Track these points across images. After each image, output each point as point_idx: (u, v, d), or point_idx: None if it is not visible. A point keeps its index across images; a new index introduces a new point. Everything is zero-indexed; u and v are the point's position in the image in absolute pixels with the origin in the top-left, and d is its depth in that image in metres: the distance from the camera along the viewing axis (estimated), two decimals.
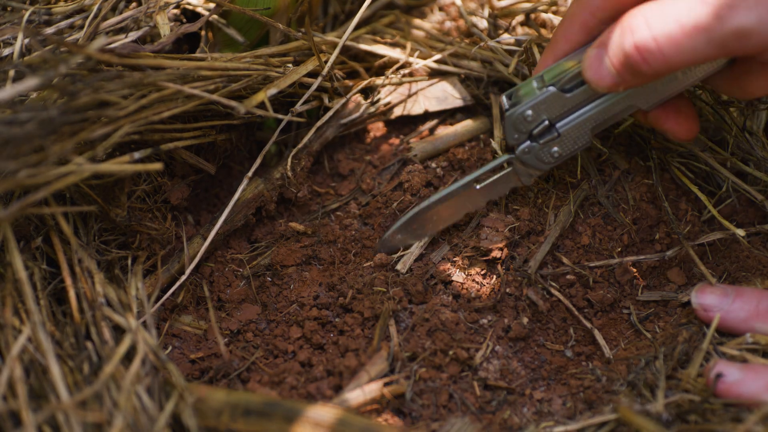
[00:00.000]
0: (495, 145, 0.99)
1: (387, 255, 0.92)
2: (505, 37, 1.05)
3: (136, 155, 0.82)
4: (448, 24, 1.10)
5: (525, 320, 0.90)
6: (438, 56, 1.04)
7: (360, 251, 0.95)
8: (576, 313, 0.90)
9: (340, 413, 0.75)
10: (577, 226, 0.94)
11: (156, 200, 0.91)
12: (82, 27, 0.93)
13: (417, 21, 1.09)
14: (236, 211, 0.95)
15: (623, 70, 0.76)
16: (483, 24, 1.07)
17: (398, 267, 0.92)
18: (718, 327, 0.84)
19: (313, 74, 0.96)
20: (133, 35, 0.93)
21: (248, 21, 0.99)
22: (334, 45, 0.99)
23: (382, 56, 1.04)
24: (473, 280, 0.91)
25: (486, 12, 1.07)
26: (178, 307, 0.92)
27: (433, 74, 1.05)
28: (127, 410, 0.72)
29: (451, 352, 0.85)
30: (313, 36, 0.94)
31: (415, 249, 0.93)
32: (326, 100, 0.99)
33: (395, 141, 1.03)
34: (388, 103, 1.02)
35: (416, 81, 1.04)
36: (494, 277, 0.92)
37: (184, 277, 0.90)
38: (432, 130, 1.04)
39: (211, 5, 0.98)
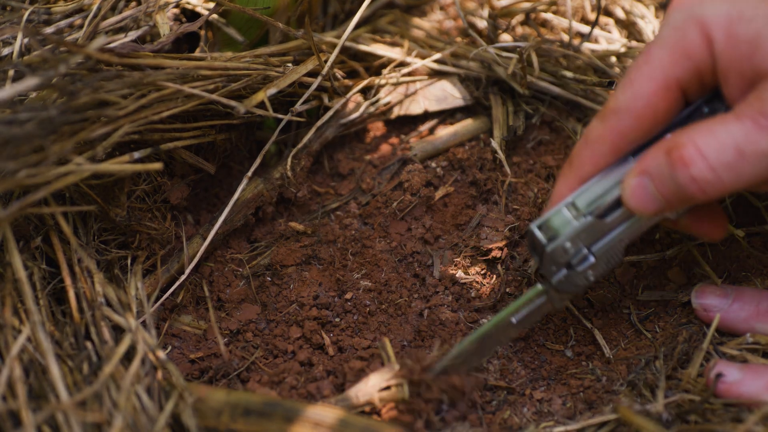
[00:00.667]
0: (495, 144, 0.99)
1: None
2: (505, 37, 1.05)
3: (136, 155, 0.82)
4: (448, 24, 1.10)
5: None
6: (437, 56, 1.04)
7: (360, 251, 0.95)
8: (576, 313, 0.90)
9: (341, 413, 0.75)
10: None
11: (156, 200, 0.91)
12: (81, 26, 0.92)
13: (417, 20, 1.09)
14: (236, 211, 0.95)
15: (673, 198, 0.73)
16: (483, 24, 1.06)
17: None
18: (719, 327, 0.84)
19: (312, 74, 0.96)
20: (133, 35, 0.93)
21: (248, 20, 0.99)
22: (334, 44, 0.99)
23: (381, 56, 1.04)
24: (473, 280, 0.91)
25: (486, 12, 1.07)
26: (177, 306, 0.92)
27: (433, 74, 1.05)
28: (126, 410, 0.72)
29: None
30: (312, 35, 0.94)
31: None
32: (326, 100, 0.99)
33: (395, 141, 1.03)
34: (388, 102, 1.02)
35: (416, 81, 1.04)
36: (494, 277, 0.92)
37: (183, 277, 0.90)
38: (432, 130, 1.04)
39: (211, 5, 0.98)
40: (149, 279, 0.90)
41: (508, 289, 0.90)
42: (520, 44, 0.99)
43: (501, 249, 0.92)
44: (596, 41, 1.07)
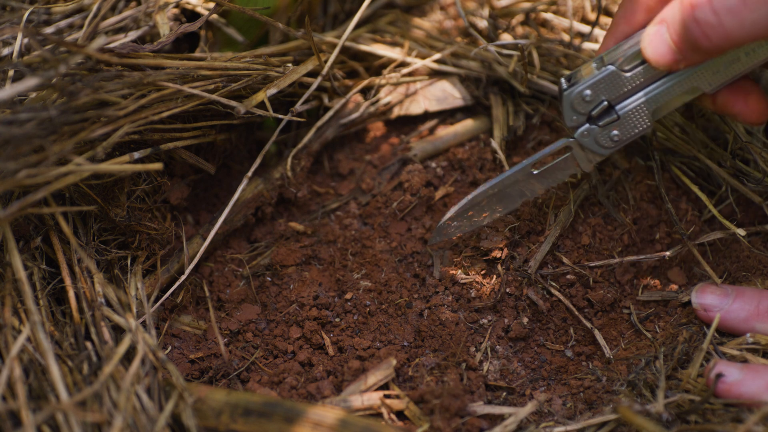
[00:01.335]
0: (495, 145, 0.99)
1: (441, 242, 0.90)
2: (505, 37, 1.05)
3: (136, 155, 0.82)
4: (448, 23, 1.10)
5: (525, 320, 0.90)
6: (438, 56, 1.04)
7: (360, 251, 0.95)
8: (576, 313, 0.90)
9: (340, 413, 0.75)
10: (578, 226, 0.94)
11: (155, 200, 0.91)
12: (81, 26, 0.92)
13: (417, 20, 1.09)
14: (236, 211, 0.95)
15: (684, 45, 0.75)
16: (483, 24, 1.06)
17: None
18: (719, 327, 0.84)
19: (312, 74, 0.96)
20: (133, 35, 0.93)
21: (248, 20, 0.99)
22: (334, 45, 0.99)
23: (381, 56, 1.04)
24: (473, 280, 0.91)
25: (486, 12, 1.07)
26: (177, 307, 0.92)
27: (433, 74, 1.05)
28: (126, 410, 0.72)
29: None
30: (312, 35, 0.94)
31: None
32: (326, 100, 0.99)
33: (395, 141, 1.03)
34: (388, 102, 1.02)
35: (416, 81, 1.04)
36: (494, 277, 0.92)
37: (183, 277, 0.90)
38: (432, 130, 1.04)
39: (211, 5, 0.98)
40: (149, 279, 0.90)
41: (508, 289, 0.90)
42: (521, 41, 0.99)
43: (501, 249, 0.92)
44: (597, 41, 1.07)
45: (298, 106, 0.95)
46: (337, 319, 0.90)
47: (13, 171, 0.71)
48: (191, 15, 1.00)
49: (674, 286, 0.92)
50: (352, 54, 1.05)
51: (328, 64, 0.96)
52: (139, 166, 0.79)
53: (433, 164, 1.00)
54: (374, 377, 0.83)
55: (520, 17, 1.08)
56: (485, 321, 0.89)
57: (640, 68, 0.81)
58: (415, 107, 1.03)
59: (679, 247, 0.91)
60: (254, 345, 0.90)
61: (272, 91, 0.90)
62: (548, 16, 1.08)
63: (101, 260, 0.86)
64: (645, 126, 0.82)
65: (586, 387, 0.85)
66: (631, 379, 0.83)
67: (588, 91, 0.81)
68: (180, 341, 0.90)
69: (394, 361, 0.84)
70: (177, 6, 0.98)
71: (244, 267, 0.95)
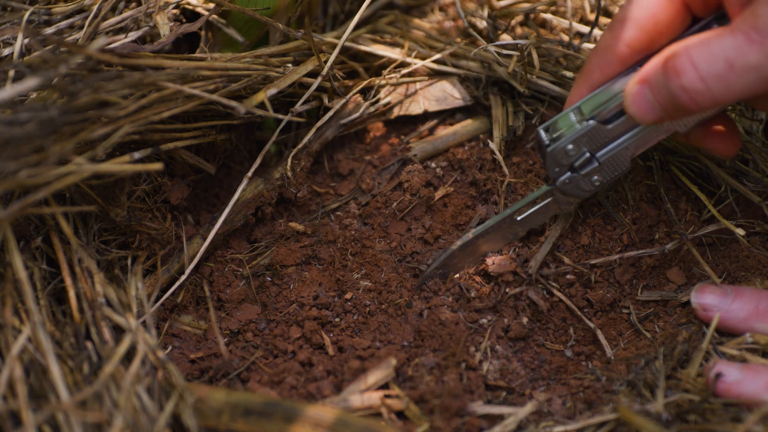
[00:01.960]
0: (493, 145, 0.99)
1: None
2: (505, 37, 1.05)
3: (136, 155, 0.82)
4: (448, 24, 1.10)
5: (525, 320, 0.90)
6: (437, 56, 1.04)
7: (360, 251, 0.95)
8: (578, 313, 0.90)
9: (340, 413, 0.75)
10: (577, 226, 0.94)
11: (156, 200, 0.91)
12: (81, 27, 0.93)
13: (416, 21, 1.09)
14: (236, 211, 0.95)
15: (669, 108, 0.75)
16: (482, 24, 1.07)
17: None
18: (718, 327, 0.84)
19: (312, 74, 0.96)
20: (133, 35, 0.93)
21: (248, 21, 0.99)
22: (334, 45, 1.00)
23: (381, 56, 1.04)
24: (473, 280, 0.91)
25: (485, 12, 1.07)
26: (177, 307, 0.92)
27: (433, 74, 1.05)
28: (127, 410, 0.72)
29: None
30: (312, 36, 0.94)
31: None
32: (326, 100, 0.99)
33: (395, 141, 1.03)
34: (388, 103, 1.03)
35: (416, 81, 1.04)
36: (494, 277, 0.92)
37: (183, 277, 0.90)
38: (432, 130, 1.04)
39: (211, 5, 0.98)
40: (149, 279, 0.90)
41: (507, 289, 0.91)
42: (521, 42, 0.99)
43: (501, 249, 0.92)
44: (596, 41, 1.07)
45: (298, 107, 0.95)
46: (337, 319, 0.91)
47: (13, 171, 0.71)
48: (191, 15, 1.00)
49: (674, 286, 0.92)
50: (352, 54, 1.05)
51: (328, 64, 0.96)
52: (139, 166, 0.79)
53: (433, 164, 1.00)
54: (374, 377, 0.83)
55: (519, 18, 1.08)
56: (485, 321, 0.90)
57: (620, 119, 0.82)
58: (415, 107, 1.03)
59: (678, 241, 0.91)
60: (254, 345, 0.90)
61: (272, 91, 0.90)
62: (548, 16, 1.08)
63: (101, 260, 0.86)
64: (625, 168, 0.85)
65: (586, 387, 0.85)
66: (631, 378, 0.83)
67: (571, 146, 0.84)
68: (180, 341, 0.90)
69: (393, 361, 0.84)
70: (177, 6, 0.98)
71: (244, 267, 0.95)
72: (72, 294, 0.81)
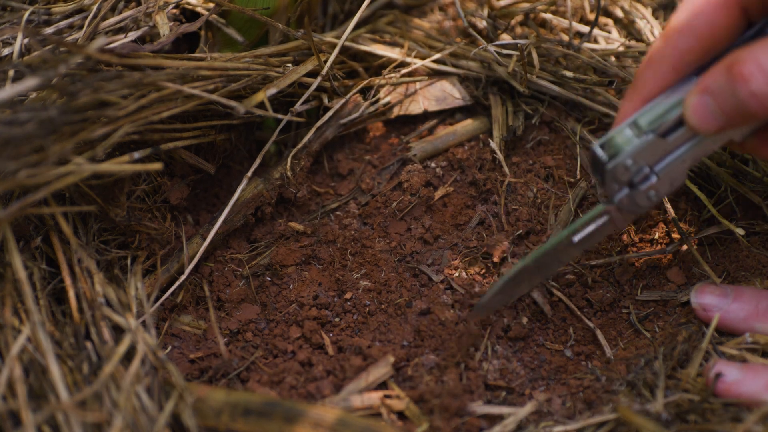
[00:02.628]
0: (494, 145, 0.99)
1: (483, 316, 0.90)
2: (504, 37, 1.05)
3: (136, 155, 0.82)
4: (448, 24, 1.10)
5: (524, 320, 0.90)
6: (437, 56, 1.04)
7: (359, 251, 0.95)
8: (578, 313, 0.90)
9: (340, 413, 0.75)
10: None
11: (155, 200, 0.91)
12: (81, 27, 0.93)
13: (416, 21, 1.09)
14: (235, 211, 0.95)
15: (735, 116, 0.74)
16: (482, 24, 1.07)
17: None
18: (718, 327, 0.84)
19: (312, 74, 0.96)
20: (133, 35, 0.93)
21: (247, 21, 0.99)
22: (334, 45, 0.99)
23: (381, 56, 1.04)
24: (473, 280, 0.91)
25: (485, 12, 1.07)
26: (177, 306, 0.92)
27: (433, 74, 1.05)
28: (126, 410, 0.72)
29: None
30: (312, 36, 0.94)
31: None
32: (326, 100, 0.99)
33: (395, 141, 1.03)
34: (388, 102, 1.03)
35: (415, 81, 1.04)
36: (494, 277, 0.92)
37: (183, 277, 0.90)
38: (431, 130, 1.04)
39: (211, 5, 0.98)
40: (149, 279, 0.90)
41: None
42: (520, 41, 0.99)
43: (501, 249, 0.92)
44: (596, 41, 1.07)
45: (298, 106, 0.95)
46: (337, 319, 0.91)
47: (13, 171, 0.71)
48: (191, 15, 1.00)
49: (673, 286, 0.92)
50: (352, 54, 1.05)
51: (328, 64, 0.96)
52: (139, 166, 0.79)
53: (433, 164, 1.00)
54: (373, 375, 0.83)
55: (519, 17, 1.08)
56: (485, 321, 0.89)
57: (679, 131, 0.80)
58: (415, 107, 1.03)
59: (678, 243, 0.91)
60: (254, 345, 0.90)
61: (272, 91, 0.90)
62: (547, 16, 1.08)
63: (101, 260, 0.86)
64: (682, 180, 0.82)
65: (586, 387, 0.85)
66: (631, 378, 0.83)
67: (630, 161, 0.81)
68: (180, 341, 0.90)
69: (392, 359, 0.84)
70: (177, 6, 0.98)
71: (243, 267, 0.95)
72: (72, 294, 0.81)
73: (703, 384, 0.79)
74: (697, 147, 0.80)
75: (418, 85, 1.04)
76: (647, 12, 1.09)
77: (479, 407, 0.82)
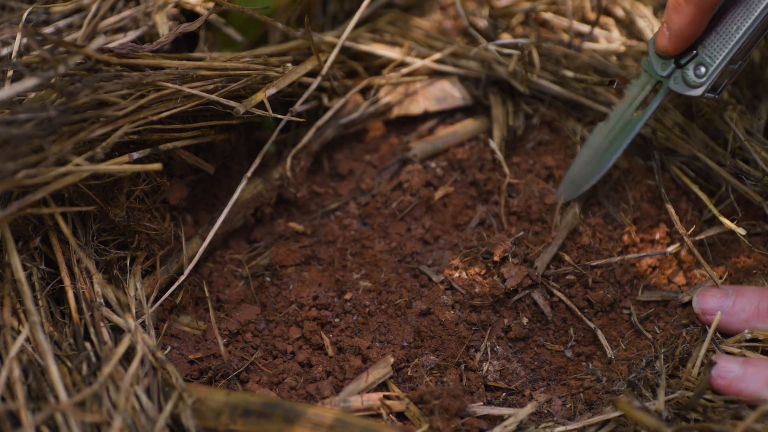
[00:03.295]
0: (494, 145, 0.99)
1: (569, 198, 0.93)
2: (505, 37, 1.05)
3: (135, 155, 0.82)
4: (448, 23, 1.10)
5: (525, 320, 0.90)
6: (437, 56, 1.04)
7: (359, 251, 0.95)
8: (579, 313, 0.90)
9: (340, 414, 0.75)
10: (578, 226, 0.94)
11: (155, 200, 0.91)
12: (80, 26, 0.92)
13: (416, 20, 1.09)
14: (235, 212, 0.95)
15: None
16: (482, 24, 1.06)
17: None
18: (719, 328, 0.84)
19: (312, 74, 0.96)
20: (132, 35, 0.93)
21: (247, 20, 0.99)
22: (333, 44, 0.99)
23: (381, 56, 1.04)
24: (473, 280, 0.91)
25: (485, 12, 1.07)
26: (176, 307, 0.92)
27: (433, 74, 1.05)
28: (126, 411, 0.72)
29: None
30: (312, 35, 0.94)
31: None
32: (326, 100, 0.99)
33: (395, 141, 1.03)
34: (388, 102, 1.02)
35: (415, 81, 1.04)
36: (494, 276, 0.91)
37: (182, 278, 0.90)
38: (431, 130, 1.04)
39: (210, 4, 0.98)
40: (148, 279, 0.90)
41: (508, 288, 0.90)
42: (521, 41, 0.99)
43: (501, 249, 0.92)
44: (596, 41, 1.07)
45: (298, 106, 0.95)
46: (337, 320, 0.90)
47: (12, 171, 0.71)
48: (190, 15, 1.00)
49: (674, 287, 0.92)
50: (352, 54, 1.05)
51: (328, 64, 0.96)
52: (138, 167, 0.79)
53: (433, 164, 1.00)
54: (373, 376, 0.83)
55: (519, 17, 1.08)
56: (485, 321, 0.89)
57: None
58: (415, 107, 1.03)
59: (679, 243, 0.91)
60: (253, 345, 0.90)
61: (271, 91, 0.90)
62: (548, 16, 1.08)
63: (100, 260, 0.86)
64: (734, 53, 0.79)
65: (586, 387, 0.85)
66: (632, 379, 0.83)
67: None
68: (179, 342, 0.90)
69: (391, 360, 0.84)
70: (176, 6, 0.98)
71: (243, 267, 0.95)
72: (71, 294, 0.80)
73: (705, 381, 0.79)
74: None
75: (418, 85, 1.04)
76: (648, 11, 1.09)
77: (479, 408, 0.82)
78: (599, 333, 0.89)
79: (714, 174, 0.94)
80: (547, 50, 1.03)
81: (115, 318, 0.80)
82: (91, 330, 0.79)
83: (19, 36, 0.86)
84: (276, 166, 0.98)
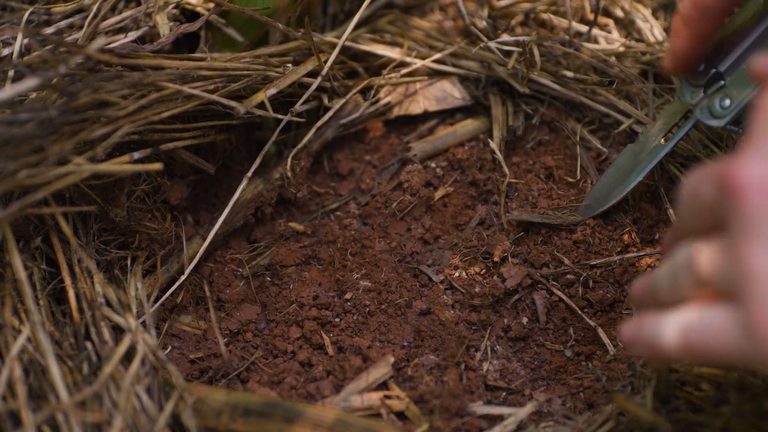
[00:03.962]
0: (494, 145, 0.99)
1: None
2: (505, 37, 1.05)
3: (136, 155, 0.82)
4: (448, 24, 1.10)
5: (524, 320, 0.90)
6: (437, 56, 1.04)
7: (359, 251, 0.95)
8: (580, 312, 0.90)
9: (340, 414, 0.75)
10: (578, 226, 0.94)
11: (155, 200, 0.91)
12: (81, 27, 0.92)
13: (416, 20, 1.09)
14: (235, 212, 0.95)
15: None
16: (482, 24, 1.07)
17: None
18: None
19: (312, 74, 0.96)
20: (133, 35, 0.93)
21: (247, 21, 0.99)
22: (334, 45, 0.99)
23: (381, 56, 1.04)
24: (473, 280, 0.91)
25: (485, 12, 1.07)
26: (177, 307, 0.92)
27: (433, 74, 1.05)
28: (126, 410, 0.72)
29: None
30: (312, 36, 0.94)
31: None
32: (326, 100, 0.99)
33: (395, 141, 1.03)
34: (388, 103, 1.02)
35: (415, 81, 1.04)
36: (494, 276, 0.92)
37: (183, 277, 0.90)
38: (431, 130, 1.04)
39: (211, 5, 0.98)
40: (149, 279, 0.90)
41: (508, 287, 0.90)
42: (522, 38, 0.99)
43: (501, 249, 0.92)
44: (595, 41, 1.07)
45: (298, 107, 0.95)
46: (337, 319, 0.91)
47: (13, 171, 0.71)
48: (191, 15, 1.00)
49: None
50: (352, 54, 1.05)
51: (328, 64, 0.96)
52: (139, 167, 0.79)
53: (433, 164, 1.00)
54: (373, 376, 0.83)
55: (519, 18, 1.08)
56: (485, 321, 0.89)
57: None
58: (415, 107, 1.03)
59: None
60: (254, 345, 0.90)
61: (272, 91, 0.90)
62: (547, 16, 1.08)
63: (101, 260, 0.86)
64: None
65: (586, 387, 0.85)
66: (631, 378, 0.83)
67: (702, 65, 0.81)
68: (180, 341, 0.90)
69: (392, 359, 0.84)
70: (177, 6, 0.98)
71: (243, 267, 0.95)
72: (71, 294, 0.81)
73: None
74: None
75: (418, 85, 1.04)
76: (647, 12, 1.09)
77: (479, 407, 0.82)
78: (600, 331, 0.89)
79: None
80: (547, 50, 1.03)
81: (115, 318, 0.80)
82: (92, 329, 0.79)
83: (20, 36, 0.86)
84: (276, 166, 0.98)
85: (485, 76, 1.03)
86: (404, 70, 1.03)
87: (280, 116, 0.92)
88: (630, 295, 0.85)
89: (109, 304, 0.82)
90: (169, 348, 0.89)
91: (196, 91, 0.83)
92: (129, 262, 0.88)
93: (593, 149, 0.98)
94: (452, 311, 0.89)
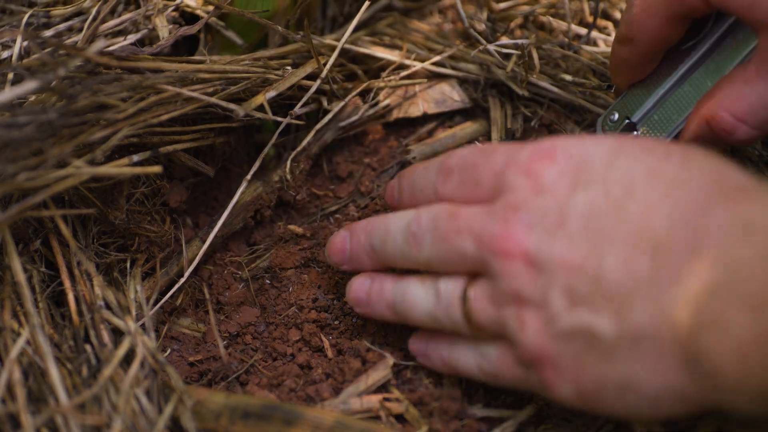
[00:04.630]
0: None
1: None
2: (504, 40, 1.05)
3: (135, 158, 0.82)
4: (447, 26, 1.10)
5: None
6: (436, 58, 1.04)
7: None
8: None
9: (339, 416, 0.75)
10: None
11: (155, 203, 0.91)
12: (80, 30, 0.93)
13: (415, 23, 1.09)
14: (235, 214, 0.95)
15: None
16: (481, 27, 1.07)
17: None
18: None
19: (311, 77, 0.96)
20: (132, 38, 0.93)
21: (247, 23, 0.99)
22: (333, 47, 1.00)
23: (380, 59, 1.04)
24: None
25: (484, 15, 1.07)
26: (176, 309, 0.92)
27: (432, 76, 1.05)
28: (125, 413, 0.72)
29: None
30: (311, 38, 0.94)
31: None
32: (325, 103, 0.99)
33: (394, 143, 1.03)
34: (387, 105, 1.03)
35: (414, 83, 1.04)
36: None
37: (182, 280, 0.90)
38: (430, 133, 1.04)
39: (210, 8, 0.98)
40: (148, 282, 0.90)
41: None
42: (521, 41, 0.99)
43: None
44: (595, 44, 1.07)
45: (297, 109, 0.95)
46: (336, 322, 0.91)
47: (12, 174, 0.71)
48: (190, 18, 1.00)
49: None
50: (351, 57, 1.05)
51: (327, 67, 0.96)
52: (138, 169, 0.79)
53: None
54: (372, 378, 0.83)
55: (518, 20, 1.08)
56: None
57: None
58: (414, 110, 1.03)
59: None
60: (253, 347, 0.90)
61: (271, 94, 0.90)
62: (546, 19, 1.09)
63: (100, 263, 0.86)
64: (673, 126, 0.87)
65: None
66: None
67: (615, 114, 0.89)
68: (179, 344, 0.90)
69: (391, 362, 0.84)
70: (176, 9, 0.98)
71: (243, 270, 0.95)
72: (71, 297, 0.81)
73: None
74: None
75: (417, 88, 1.04)
76: None
77: (479, 410, 0.82)
78: None
79: None
80: (546, 52, 1.03)
81: (115, 320, 0.80)
82: (91, 332, 0.79)
83: (19, 39, 0.86)
84: (276, 168, 0.99)
85: (484, 78, 1.03)
86: (403, 73, 1.03)
87: (279, 119, 0.92)
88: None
89: (108, 306, 0.82)
90: (169, 351, 0.89)
91: (195, 94, 0.83)
92: (128, 264, 0.88)
93: None
94: None
